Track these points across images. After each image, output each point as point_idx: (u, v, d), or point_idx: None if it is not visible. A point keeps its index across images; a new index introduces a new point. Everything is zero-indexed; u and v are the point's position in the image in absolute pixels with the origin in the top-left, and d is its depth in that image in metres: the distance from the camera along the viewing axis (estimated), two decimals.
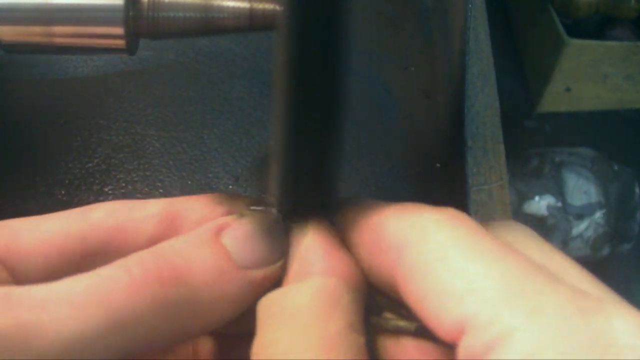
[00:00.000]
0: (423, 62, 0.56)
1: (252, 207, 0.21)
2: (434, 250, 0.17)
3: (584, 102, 1.00)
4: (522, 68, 1.03)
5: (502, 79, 0.50)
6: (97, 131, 0.47)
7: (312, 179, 0.21)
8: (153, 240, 0.21)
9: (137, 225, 0.21)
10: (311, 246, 0.20)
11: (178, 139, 0.48)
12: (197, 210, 0.22)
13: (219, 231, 0.20)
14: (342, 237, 0.21)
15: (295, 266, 0.20)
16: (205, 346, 0.24)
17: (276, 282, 0.20)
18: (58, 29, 0.32)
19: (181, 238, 0.20)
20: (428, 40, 0.57)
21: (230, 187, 0.46)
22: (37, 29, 0.32)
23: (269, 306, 0.19)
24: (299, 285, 0.19)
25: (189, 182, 0.46)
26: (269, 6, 0.33)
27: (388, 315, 0.20)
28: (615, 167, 0.93)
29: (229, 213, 0.21)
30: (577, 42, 0.90)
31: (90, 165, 0.45)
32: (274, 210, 0.21)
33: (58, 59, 0.50)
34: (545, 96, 0.98)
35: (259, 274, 0.20)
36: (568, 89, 0.97)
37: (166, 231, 0.21)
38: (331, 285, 0.19)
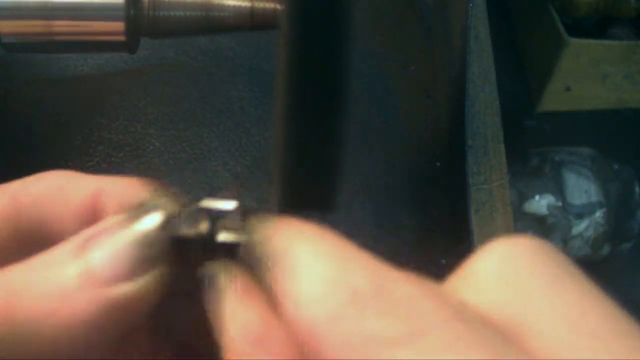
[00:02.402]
0: (424, 61, 0.56)
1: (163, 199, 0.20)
2: None
3: (584, 101, 1.00)
4: (522, 67, 1.03)
5: (503, 78, 0.50)
6: (98, 130, 0.47)
7: (313, 178, 0.21)
8: (80, 226, 0.20)
9: (64, 211, 0.21)
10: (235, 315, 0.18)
11: (178, 137, 0.48)
12: (118, 194, 0.21)
13: (86, 243, 0.18)
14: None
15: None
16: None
17: (150, 300, 0.18)
18: (59, 28, 0.32)
19: (42, 257, 0.18)
20: (429, 39, 0.57)
21: (230, 185, 0.46)
22: (39, 27, 0.32)
23: None
24: None
25: (189, 181, 0.46)
26: (270, 5, 0.33)
27: None
28: (616, 167, 0.93)
29: (141, 204, 0.20)
30: (577, 41, 0.90)
31: (90, 164, 0.45)
32: (161, 214, 0.19)
33: (58, 58, 0.50)
34: (545, 95, 0.97)
35: (117, 290, 0.18)
36: (568, 89, 0.97)
37: (90, 217, 0.21)
38: None
